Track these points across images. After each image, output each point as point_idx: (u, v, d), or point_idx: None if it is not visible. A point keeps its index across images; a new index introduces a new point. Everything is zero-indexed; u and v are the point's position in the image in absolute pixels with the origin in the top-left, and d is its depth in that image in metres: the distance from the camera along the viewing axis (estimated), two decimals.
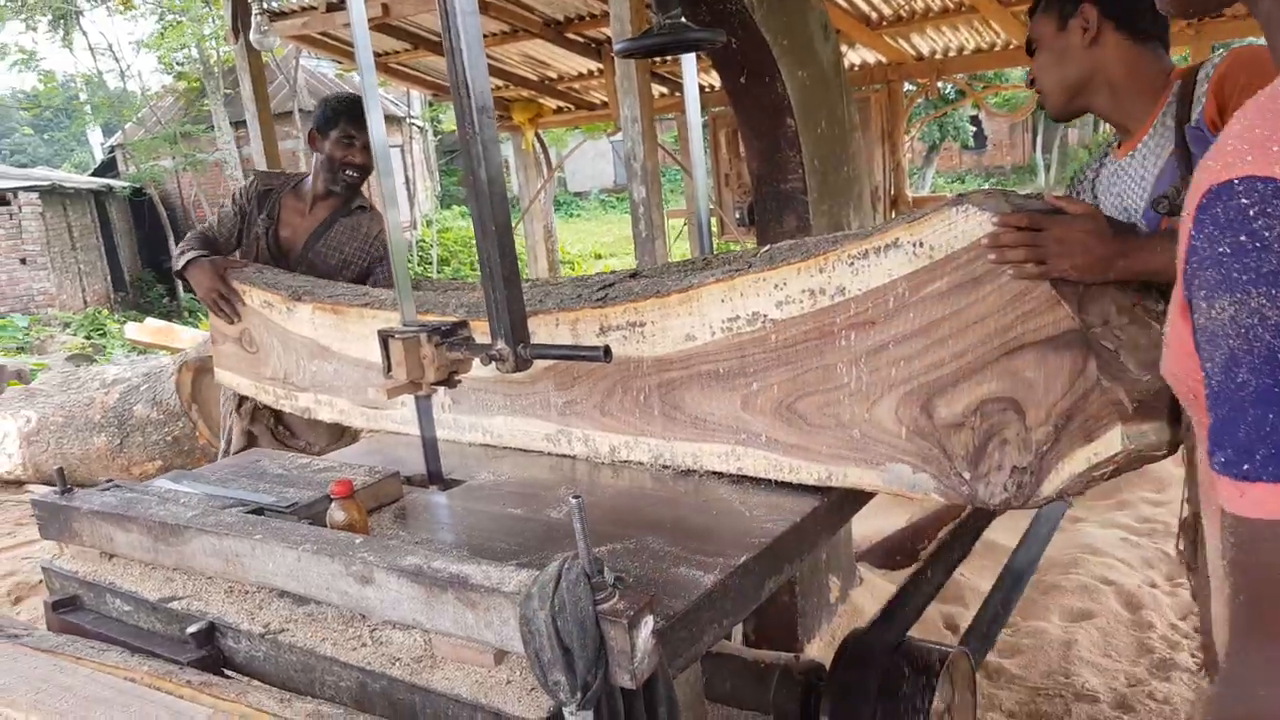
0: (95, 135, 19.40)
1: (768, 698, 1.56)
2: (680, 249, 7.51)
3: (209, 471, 1.62)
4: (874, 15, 4.60)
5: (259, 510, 1.31)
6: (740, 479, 1.40)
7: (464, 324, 1.41)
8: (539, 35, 4.84)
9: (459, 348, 1.36)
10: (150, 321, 7.81)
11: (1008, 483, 1.16)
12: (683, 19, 1.62)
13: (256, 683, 1.07)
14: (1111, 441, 1.10)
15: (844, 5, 4.38)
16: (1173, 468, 3.30)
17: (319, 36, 4.88)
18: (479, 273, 1.28)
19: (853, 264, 1.23)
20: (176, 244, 2.57)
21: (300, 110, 11.65)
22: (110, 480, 1.48)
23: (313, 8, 4.42)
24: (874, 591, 2.70)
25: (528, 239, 7.03)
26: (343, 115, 2.17)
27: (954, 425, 1.19)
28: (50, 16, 12.29)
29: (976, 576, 2.79)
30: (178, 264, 2.20)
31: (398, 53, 5.30)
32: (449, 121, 15.67)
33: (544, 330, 1.53)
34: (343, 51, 5.18)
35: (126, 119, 13.81)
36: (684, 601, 1.02)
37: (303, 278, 2.11)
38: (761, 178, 2.26)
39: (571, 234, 15.70)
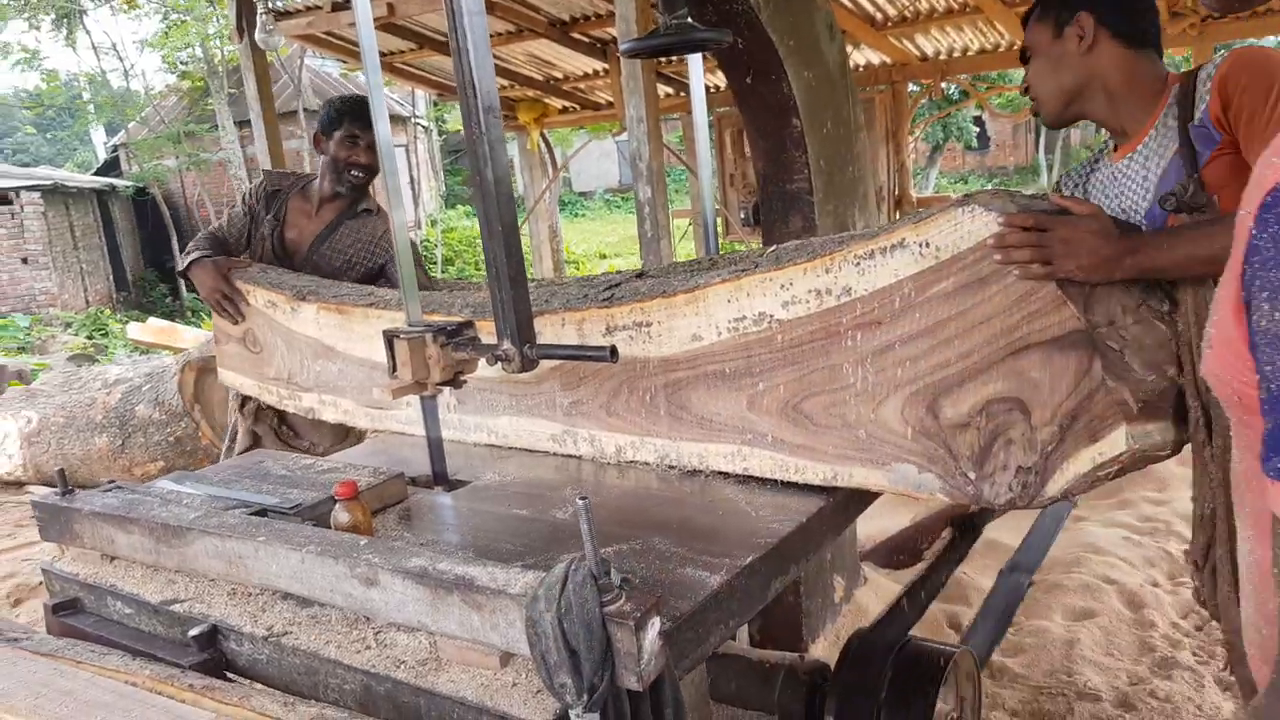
0: (98, 134, 19.44)
1: (773, 698, 1.56)
2: (685, 249, 7.51)
3: (212, 472, 1.61)
4: (879, 16, 4.60)
5: (262, 512, 1.31)
6: (746, 479, 1.40)
7: (469, 324, 1.40)
8: (544, 35, 4.84)
9: (464, 348, 1.36)
10: (153, 321, 7.81)
11: (1013, 483, 1.16)
12: (689, 19, 1.61)
13: (259, 686, 1.07)
14: (1116, 441, 1.10)
15: (849, 6, 4.37)
16: (1175, 467, 3.31)
17: (324, 36, 4.88)
18: (484, 272, 1.28)
19: (859, 264, 1.23)
20: (179, 243, 2.58)
21: (305, 110, 11.68)
22: (112, 481, 1.47)
23: (317, 7, 4.42)
24: (878, 591, 2.70)
25: (533, 239, 7.03)
26: (347, 115, 2.16)
27: (960, 425, 1.19)
28: (53, 15, 12.31)
29: (979, 575, 2.79)
30: (182, 264, 2.20)
31: (403, 52, 5.30)
32: (454, 121, 15.68)
33: (550, 330, 1.53)
34: (348, 51, 5.18)
35: (130, 118, 13.83)
36: (690, 602, 1.02)
37: (307, 277, 2.11)
38: (767, 178, 2.26)
39: (576, 234, 15.72)
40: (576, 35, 4.98)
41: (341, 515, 1.22)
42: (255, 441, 2.35)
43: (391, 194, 1.48)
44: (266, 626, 1.11)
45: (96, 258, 12.27)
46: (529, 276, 1.41)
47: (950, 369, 1.18)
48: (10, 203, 10.75)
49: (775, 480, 1.36)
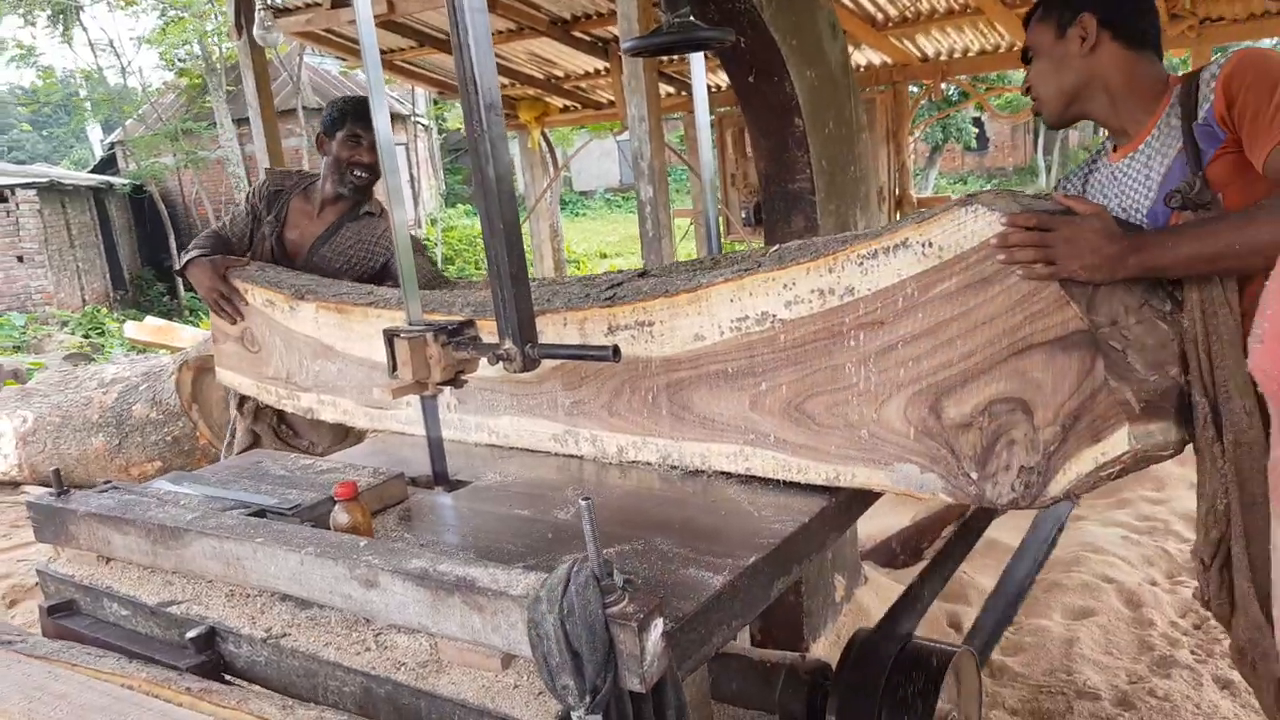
0: (95, 132, 19.38)
1: (774, 697, 1.56)
2: (685, 249, 7.51)
3: (209, 473, 1.60)
4: (880, 16, 4.60)
5: (261, 512, 1.30)
6: (749, 479, 1.39)
7: (470, 323, 1.40)
8: (546, 33, 4.83)
9: (465, 347, 1.35)
10: (150, 320, 7.80)
11: (1015, 483, 1.16)
12: (691, 17, 1.61)
13: (258, 689, 1.06)
14: (1119, 441, 1.10)
15: (850, 6, 4.37)
16: (1173, 467, 3.32)
17: (323, 33, 4.87)
18: (484, 271, 1.28)
19: (862, 264, 1.22)
20: (177, 242, 2.57)
21: (304, 108, 11.65)
22: (108, 481, 1.46)
23: (317, 4, 4.40)
24: (879, 590, 2.70)
25: (533, 238, 7.03)
26: (350, 115, 2.15)
27: (962, 425, 1.18)
28: (50, 11, 12.27)
29: (979, 574, 2.79)
30: (180, 262, 2.19)
31: (403, 50, 5.29)
32: (454, 119, 15.67)
33: (551, 329, 1.52)
34: (347, 48, 5.17)
35: (127, 115, 13.78)
36: (693, 603, 1.01)
37: (306, 276, 2.10)
38: (769, 177, 2.26)
39: (577, 233, 15.73)
40: (578, 33, 4.97)
41: (341, 516, 1.21)
42: (254, 441, 2.34)
43: (392, 192, 1.48)
44: (265, 628, 1.10)
45: (93, 256, 12.23)
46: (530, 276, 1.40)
47: (953, 369, 1.18)
48: (5, 200, 10.71)
49: (778, 480, 1.36)
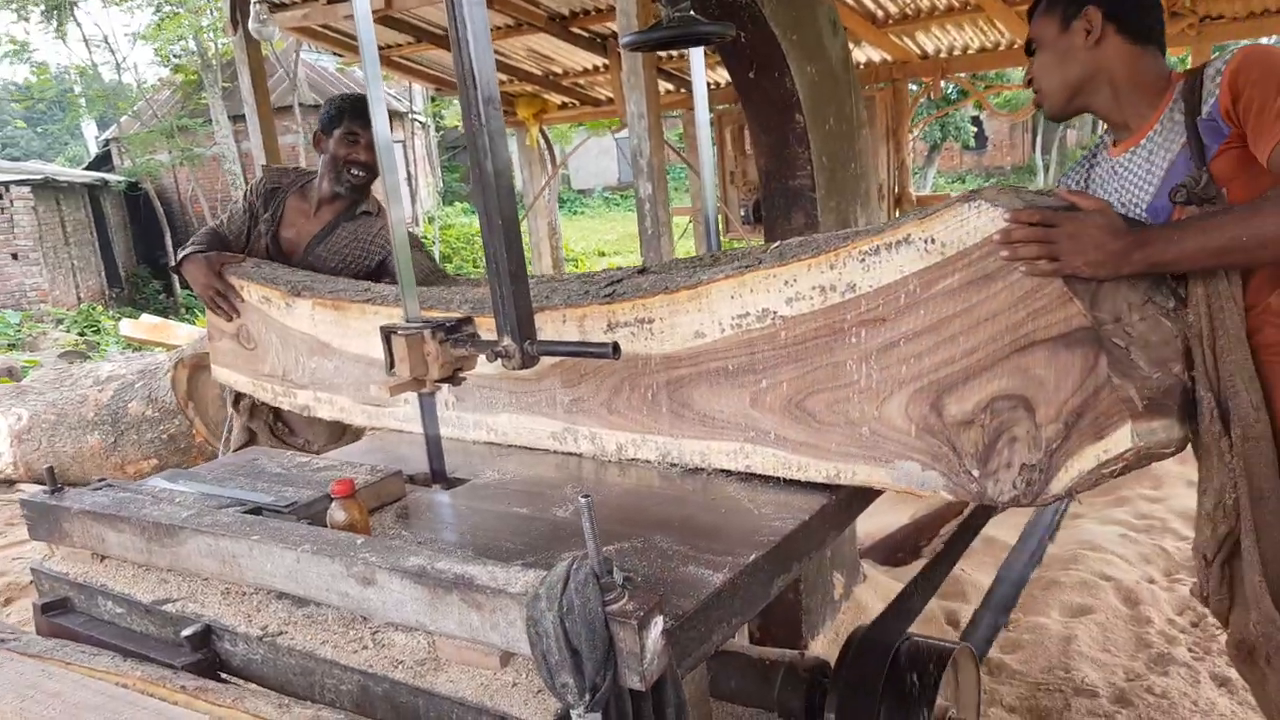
0: (90, 129, 19.30)
1: (773, 695, 1.56)
2: (684, 247, 7.50)
3: (205, 470, 1.59)
4: (880, 13, 4.59)
5: (257, 510, 1.29)
6: (749, 477, 1.39)
7: (469, 320, 1.39)
8: (544, 29, 4.80)
9: (464, 344, 1.34)
10: (145, 318, 7.77)
11: (1017, 480, 1.16)
12: (691, 12, 1.59)
13: (254, 687, 1.05)
14: (1121, 439, 1.09)
15: (850, 3, 4.36)
16: (1171, 465, 3.32)
17: (320, 29, 4.84)
18: (482, 269, 1.27)
19: (864, 260, 1.22)
20: (173, 239, 2.55)
21: (300, 104, 11.61)
22: (103, 479, 1.45)
23: None
24: (878, 588, 2.70)
25: (532, 236, 7.01)
26: (347, 113, 2.14)
27: (964, 423, 1.18)
28: (43, 7, 12.20)
29: (977, 572, 2.79)
30: (176, 259, 2.17)
31: (400, 46, 5.27)
32: (451, 117, 15.61)
33: (550, 327, 1.51)
34: (344, 44, 5.14)
35: (122, 112, 13.72)
36: (693, 601, 1.01)
37: (302, 273, 2.09)
38: (770, 173, 2.25)
39: (575, 231, 15.72)
40: (576, 30, 4.95)
41: (338, 514, 1.20)
42: (250, 438, 2.33)
43: (390, 190, 1.47)
44: (261, 626, 1.09)
45: (88, 253, 12.18)
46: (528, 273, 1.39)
47: (955, 366, 1.17)
48: (0, 197, 10.66)
49: (778, 478, 1.35)
